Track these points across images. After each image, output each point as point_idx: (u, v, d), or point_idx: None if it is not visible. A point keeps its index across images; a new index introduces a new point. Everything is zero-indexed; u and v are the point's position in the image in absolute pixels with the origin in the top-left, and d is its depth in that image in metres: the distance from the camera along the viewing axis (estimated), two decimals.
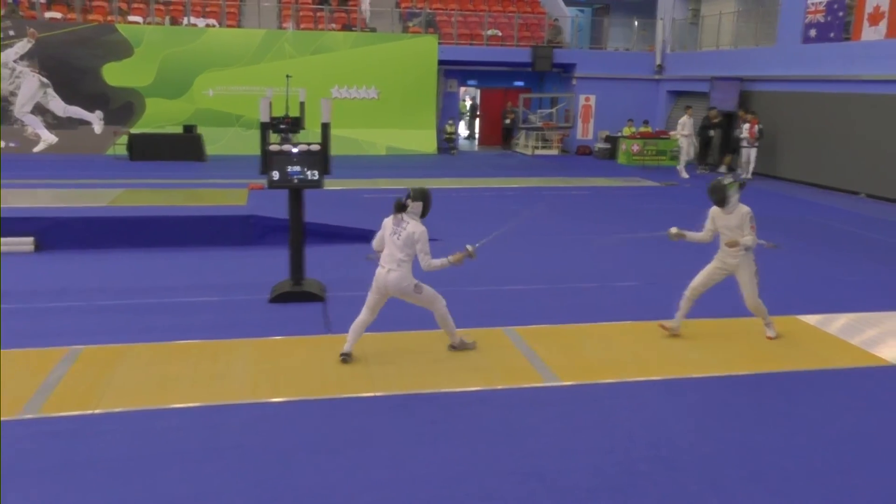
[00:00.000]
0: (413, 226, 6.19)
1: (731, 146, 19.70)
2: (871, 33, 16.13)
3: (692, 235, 7.01)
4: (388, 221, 6.31)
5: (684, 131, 19.60)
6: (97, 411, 5.34)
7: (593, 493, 4.40)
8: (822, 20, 17.66)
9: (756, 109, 19.19)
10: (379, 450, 4.87)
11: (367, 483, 4.47)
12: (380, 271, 6.24)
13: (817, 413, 5.54)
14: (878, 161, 15.86)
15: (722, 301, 7.60)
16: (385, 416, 5.38)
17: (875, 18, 16.01)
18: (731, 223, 6.75)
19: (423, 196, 6.33)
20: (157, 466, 4.62)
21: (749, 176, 18.22)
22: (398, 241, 6.17)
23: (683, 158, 19.57)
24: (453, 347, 6.65)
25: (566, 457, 4.82)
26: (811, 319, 7.67)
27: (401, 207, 6.28)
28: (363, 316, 6.38)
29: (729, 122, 20.05)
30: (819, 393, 5.91)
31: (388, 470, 4.63)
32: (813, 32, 17.95)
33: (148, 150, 19.52)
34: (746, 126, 18.54)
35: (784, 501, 4.35)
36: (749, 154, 18.68)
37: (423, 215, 6.35)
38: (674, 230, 7.01)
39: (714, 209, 6.87)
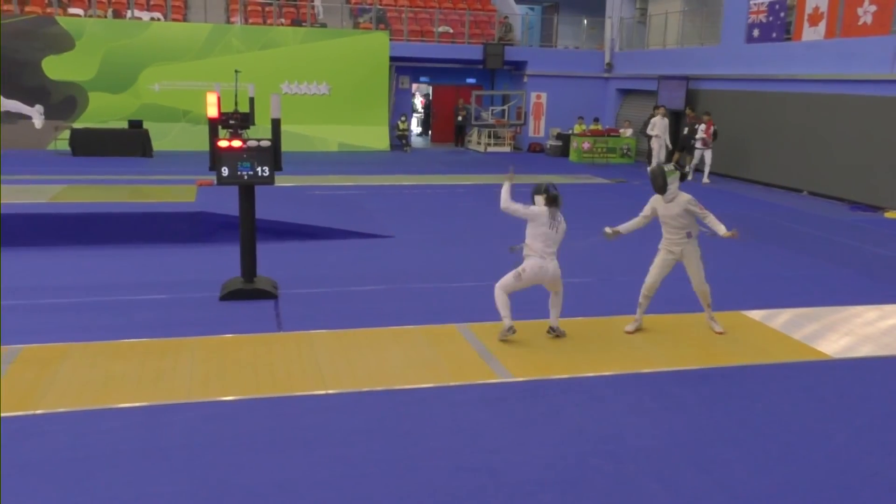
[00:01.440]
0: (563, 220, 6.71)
1: (679, 144, 20.01)
2: (811, 34, 16.59)
3: (626, 227, 7.10)
4: (543, 211, 6.72)
5: (654, 131, 19.17)
6: (38, 412, 5.19)
7: (543, 486, 4.44)
8: (764, 20, 18.10)
9: (697, 107, 19.59)
10: (328, 448, 4.83)
11: (314, 481, 4.43)
12: (538, 261, 6.66)
13: (761, 406, 5.67)
14: (818, 159, 16.32)
15: (671, 297, 7.73)
16: (335, 414, 5.34)
17: (814, 19, 16.47)
18: (672, 211, 6.85)
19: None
20: (100, 468, 4.51)
21: (706, 179, 17.91)
22: (556, 234, 6.70)
23: (655, 161, 18.78)
24: (553, 330, 6.93)
25: (517, 452, 4.85)
26: (756, 315, 7.85)
27: (556, 201, 6.71)
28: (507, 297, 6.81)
29: (676, 120, 20.41)
30: (763, 386, 6.06)
31: (337, 467, 4.59)
32: (756, 32, 18.39)
33: (91, 145, 19.05)
34: (702, 127, 18.10)
35: (728, 492, 4.45)
36: (704, 155, 18.14)
37: None
38: (608, 230, 7.10)
39: (655, 197, 6.96)
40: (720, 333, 7.18)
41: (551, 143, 24.30)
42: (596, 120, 23.93)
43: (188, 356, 6.28)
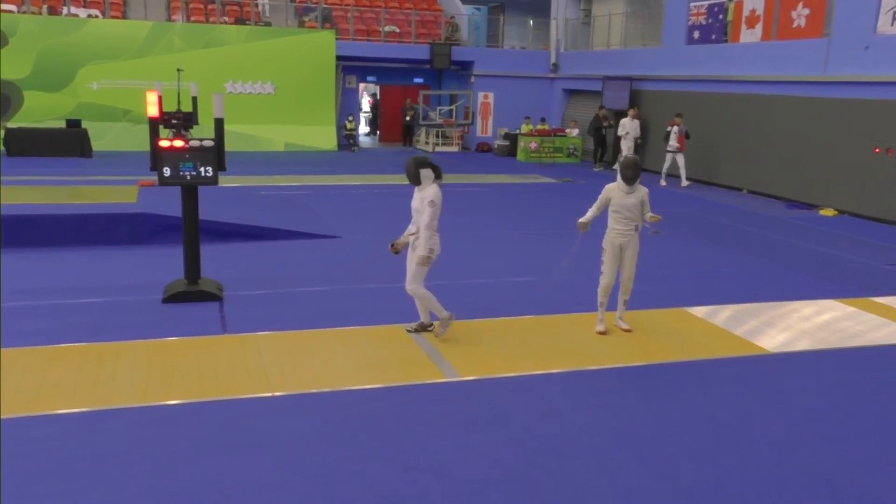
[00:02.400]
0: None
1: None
2: (749, 35, 17.03)
3: (589, 217, 7.18)
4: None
5: (624, 132, 19.01)
6: None
7: (489, 485, 4.46)
8: (703, 22, 18.51)
9: (640, 106, 19.96)
10: (271, 451, 4.77)
11: (258, 485, 4.37)
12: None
13: (703, 401, 5.79)
14: (756, 158, 16.76)
15: (613, 294, 7.84)
16: (280, 416, 5.28)
17: (752, 21, 16.90)
18: (629, 202, 6.94)
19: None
20: (33, 477, 4.36)
21: (686, 182, 17.54)
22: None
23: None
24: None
25: (462, 451, 4.86)
26: (699, 311, 8.02)
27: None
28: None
29: (619, 120, 20.72)
30: (705, 382, 6.19)
31: (280, 472, 4.54)
32: (696, 34, 18.79)
33: (27, 145, 18.50)
34: (675, 129, 17.42)
35: (670, 485, 4.53)
36: (676, 159, 17.55)
37: None
38: (583, 220, 7.17)
39: (612, 188, 7.01)
40: (627, 331, 7.26)
41: (499, 142, 24.44)
42: (542, 120, 24.15)
43: (128, 360, 6.13)
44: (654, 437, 5.15)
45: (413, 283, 6.73)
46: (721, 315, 7.94)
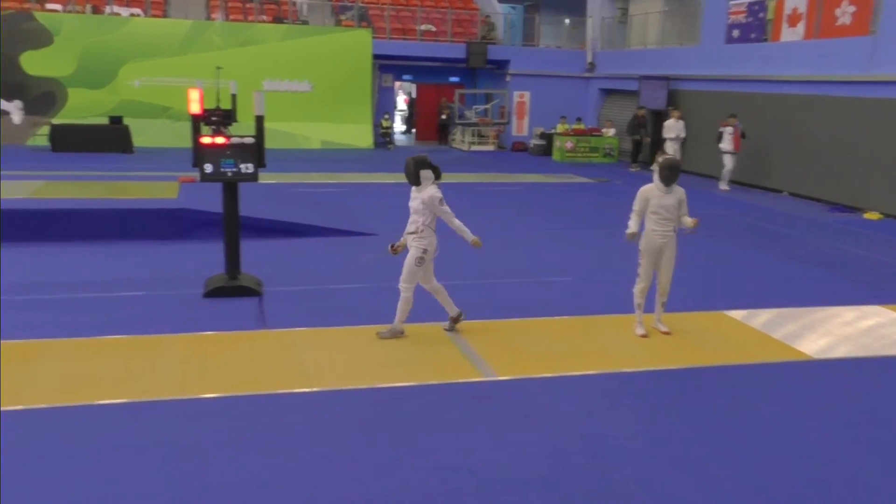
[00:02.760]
0: None
1: (663, 144, 20.04)
2: (790, 34, 16.74)
3: (635, 226, 6.99)
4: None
5: (669, 134, 18.34)
6: (17, 408, 5.14)
7: (524, 485, 4.45)
8: (743, 21, 18.25)
9: (681, 107, 19.67)
10: (306, 447, 4.82)
11: (296, 479, 4.42)
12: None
13: (741, 406, 5.72)
14: (797, 160, 16.48)
15: (650, 295, 7.77)
16: (315, 412, 5.33)
17: (793, 20, 16.62)
18: (668, 202, 6.86)
19: None
20: (77, 465, 4.47)
21: (726, 186, 17.11)
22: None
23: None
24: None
25: (497, 451, 4.86)
26: (737, 315, 7.91)
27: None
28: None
29: (658, 120, 20.54)
30: (744, 386, 6.11)
31: (317, 466, 4.58)
32: (735, 33, 18.53)
33: (71, 141, 18.88)
34: (728, 130, 16.72)
35: (707, 491, 4.48)
36: (728, 160, 16.92)
37: None
38: (631, 231, 6.94)
39: (649, 189, 6.91)
40: (666, 333, 7.17)
41: (534, 142, 24.36)
42: (578, 119, 24.02)
43: (170, 353, 6.24)
44: (691, 441, 5.10)
45: (405, 283, 6.67)
46: (760, 319, 7.83)
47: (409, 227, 6.68)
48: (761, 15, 17.68)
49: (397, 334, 6.80)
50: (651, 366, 6.43)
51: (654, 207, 6.89)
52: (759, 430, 5.30)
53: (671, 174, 6.82)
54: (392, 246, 6.82)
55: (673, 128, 18.62)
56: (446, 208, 6.60)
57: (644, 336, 7.09)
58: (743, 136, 16.74)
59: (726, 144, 16.83)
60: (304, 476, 4.46)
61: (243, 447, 4.78)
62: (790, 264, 10.30)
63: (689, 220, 6.93)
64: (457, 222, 6.67)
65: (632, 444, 5.03)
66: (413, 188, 6.68)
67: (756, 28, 17.88)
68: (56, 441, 4.75)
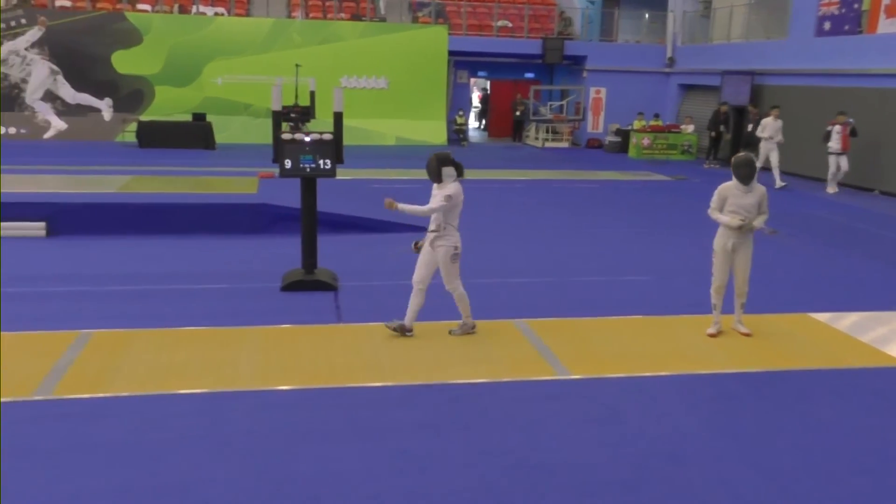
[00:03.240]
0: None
1: (744, 141, 19.44)
2: (888, 26, 15.95)
3: (721, 218, 6.78)
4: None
5: (765, 133, 16.45)
6: (106, 395, 5.36)
7: (601, 486, 4.38)
8: (836, 13, 17.51)
9: (761, 103, 18.98)
10: (384, 440, 4.86)
11: (371, 473, 4.46)
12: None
13: (827, 412, 5.51)
14: (890, 157, 15.73)
15: (730, 296, 7.55)
16: (392, 406, 5.37)
17: (892, 10, 15.82)
18: (747, 201, 6.64)
19: None
20: (162, 452, 4.63)
21: (835, 189, 15.84)
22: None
23: (775, 165, 16.33)
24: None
25: (574, 450, 4.81)
26: (822, 317, 7.62)
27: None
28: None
29: (740, 116, 19.94)
30: (830, 391, 5.87)
31: (392, 460, 4.62)
32: (827, 25, 17.80)
33: (157, 137, 19.56)
34: (836, 129, 15.40)
35: (792, 499, 4.32)
36: (839, 162, 15.59)
37: None
38: (727, 222, 6.71)
39: (728, 187, 6.71)
40: (747, 335, 6.97)
41: (610, 139, 23.97)
42: (656, 116, 23.54)
43: (250, 345, 6.39)
44: (775, 448, 4.93)
45: (451, 284, 6.63)
46: (846, 321, 7.52)
47: (431, 225, 6.56)
48: (856, 6, 16.92)
49: (468, 330, 6.80)
50: (731, 368, 6.25)
51: (733, 206, 6.67)
52: (850, 438, 5.08)
53: (746, 171, 6.59)
54: (415, 243, 6.72)
55: (770, 127, 16.62)
56: (443, 202, 6.36)
57: (713, 336, 6.92)
58: (853, 133, 15.45)
59: (835, 144, 15.54)
60: (377, 470, 4.50)
61: (320, 439, 4.86)
62: (880, 266, 9.84)
63: (758, 221, 6.68)
64: (431, 205, 6.43)
65: (713, 447, 4.90)
66: (434, 185, 6.53)
67: (850, 20, 17.12)
68: (142, 428, 4.92)
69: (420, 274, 6.63)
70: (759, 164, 15.94)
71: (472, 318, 6.82)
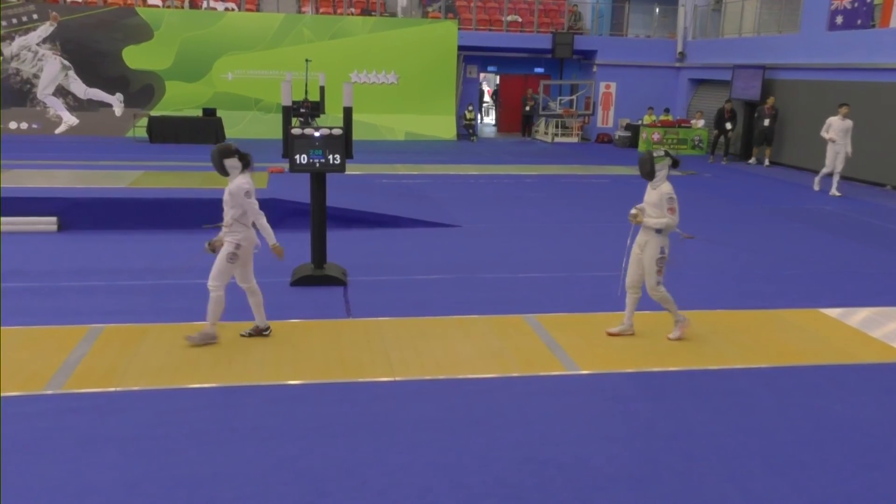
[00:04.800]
0: None
1: (759, 136, 19.25)
2: None
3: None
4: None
5: (829, 134, 14.56)
6: (118, 389, 5.39)
7: (614, 482, 4.38)
8: (848, 6, 17.38)
9: (778, 97, 18.89)
10: (394, 435, 4.87)
11: (381, 468, 4.47)
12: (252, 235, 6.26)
13: (838, 407, 5.49)
14: None
15: (743, 291, 7.53)
16: (402, 401, 5.38)
17: None
18: (650, 199, 6.53)
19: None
20: (174, 446, 4.66)
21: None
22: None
23: (837, 171, 14.71)
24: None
25: (585, 445, 4.81)
26: (833, 312, 7.59)
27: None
28: None
29: (752, 110, 19.83)
30: (841, 387, 5.85)
31: (403, 455, 4.63)
32: (839, 19, 17.67)
33: (167, 132, 19.63)
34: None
35: (803, 495, 4.31)
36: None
37: None
38: (632, 212, 6.69)
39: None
40: (672, 340, 6.71)
41: (620, 133, 23.91)
42: (666, 110, 23.44)
43: (260, 340, 6.42)
44: (785, 443, 4.91)
45: (214, 281, 6.22)
46: (857, 317, 7.48)
47: (226, 220, 6.19)
48: (869, 0, 16.79)
49: (209, 339, 6.26)
50: (741, 363, 6.23)
51: (645, 202, 6.58)
52: (861, 433, 5.06)
53: (645, 169, 6.45)
54: (209, 243, 6.34)
55: (836, 127, 14.48)
56: (253, 202, 6.09)
57: (612, 335, 6.69)
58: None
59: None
60: (387, 465, 4.51)
61: (331, 434, 4.87)
62: (889, 260, 9.78)
63: (651, 221, 6.51)
64: (262, 221, 6.17)
65: (723, 442, 4.89)
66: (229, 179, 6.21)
67: (863, 14, 16.99)
68: (153, 422, 4.95)
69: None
70: (825, 170, 14.89)
71: (481, 314, 6.79)
